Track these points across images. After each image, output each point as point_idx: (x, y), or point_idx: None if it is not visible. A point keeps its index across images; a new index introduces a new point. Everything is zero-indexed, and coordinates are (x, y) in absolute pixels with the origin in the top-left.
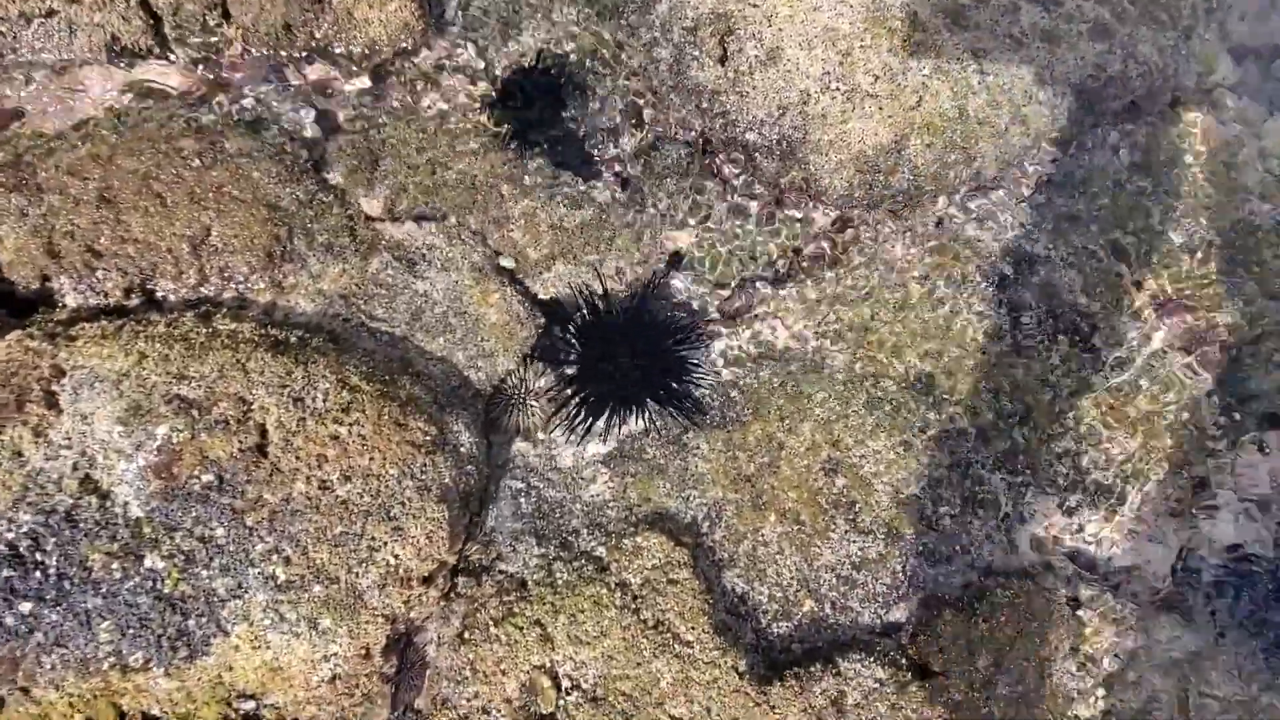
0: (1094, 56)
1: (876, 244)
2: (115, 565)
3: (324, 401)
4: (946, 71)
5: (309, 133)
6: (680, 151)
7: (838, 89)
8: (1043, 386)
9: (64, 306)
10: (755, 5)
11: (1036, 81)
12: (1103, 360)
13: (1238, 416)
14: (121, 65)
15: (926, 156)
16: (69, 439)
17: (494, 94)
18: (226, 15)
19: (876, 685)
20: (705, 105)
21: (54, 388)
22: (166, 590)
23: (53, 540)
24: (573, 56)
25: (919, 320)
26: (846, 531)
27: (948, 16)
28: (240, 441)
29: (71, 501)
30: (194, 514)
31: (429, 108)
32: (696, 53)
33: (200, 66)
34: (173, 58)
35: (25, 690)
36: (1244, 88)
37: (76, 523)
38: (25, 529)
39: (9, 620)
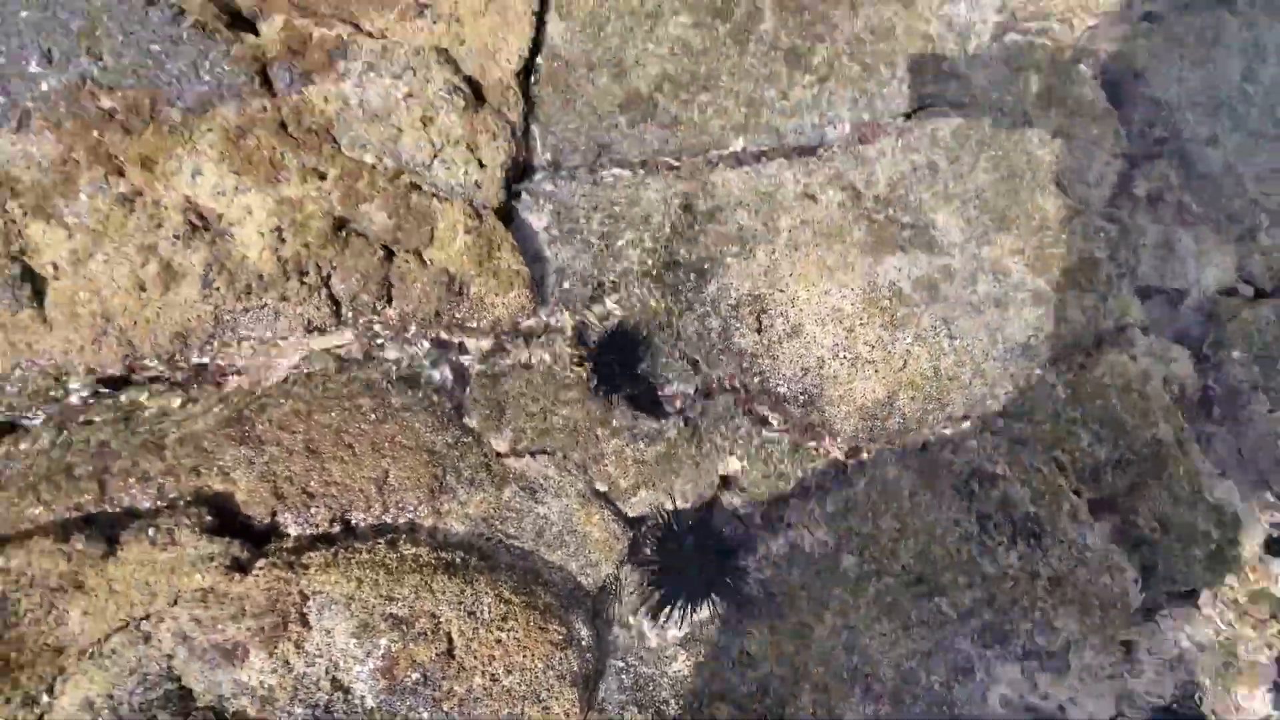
0: (1033, 320)
1: (876, 469)
2: None
3: (489, 613)
4: (924, 339)
5: (450, 387)
6: (729, 399)
7: (844, 356)
8: (1005, 578)
9: (288, 536)
10: (782, 291)
11: (990, 343)
12: (1050, 554)
13: (1153, 593)
14: (312, 337)
15: (912, 406)
16: (319, 650)
17: (585, 351)
18: (390, 301)
19: None
20: (746, 365)
21: (304, 609)
22: None
23: None
24: (645, 321)
25: (910, 526)
26: (862, 696)
27: (925, 289)
28: (435, 648)
29: (327, 697)
30: (408, 703)
31: (538, 364)
32: (739, 324)
33: (369, 338)
34: (349, 333)
35: None
36: (1152, 325)
37: (333, 713)
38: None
39: None
